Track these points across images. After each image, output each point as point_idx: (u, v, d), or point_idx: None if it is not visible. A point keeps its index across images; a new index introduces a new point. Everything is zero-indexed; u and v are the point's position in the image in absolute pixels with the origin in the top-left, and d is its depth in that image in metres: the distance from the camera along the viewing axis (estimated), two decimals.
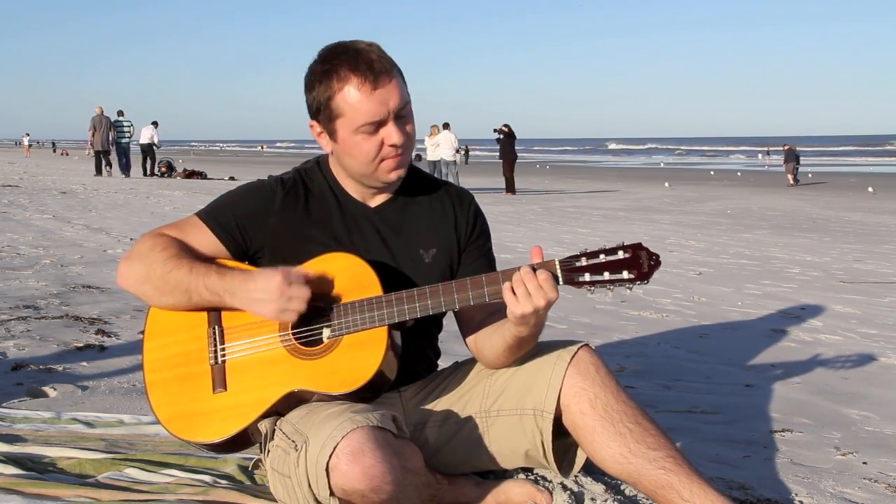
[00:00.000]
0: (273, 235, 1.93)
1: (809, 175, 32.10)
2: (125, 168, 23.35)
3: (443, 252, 2.00)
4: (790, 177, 26.00)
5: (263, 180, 1.99)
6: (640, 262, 1.72)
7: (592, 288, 1.74)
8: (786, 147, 27.85)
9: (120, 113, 23.89)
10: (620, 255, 1.73)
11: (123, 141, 23.70)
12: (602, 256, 1.73)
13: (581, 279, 1.73)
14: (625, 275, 1.72)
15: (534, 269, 1.72)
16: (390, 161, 1.87)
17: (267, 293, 1.77)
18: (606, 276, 1.72)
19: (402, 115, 1.86)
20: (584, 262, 1.73)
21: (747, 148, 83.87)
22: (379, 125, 1.83)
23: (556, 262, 1.74)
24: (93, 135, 23.03)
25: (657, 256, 1.73)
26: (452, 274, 2.01)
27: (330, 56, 1.85)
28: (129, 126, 23.79)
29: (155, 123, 24.54)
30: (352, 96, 1.81)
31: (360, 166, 1.88)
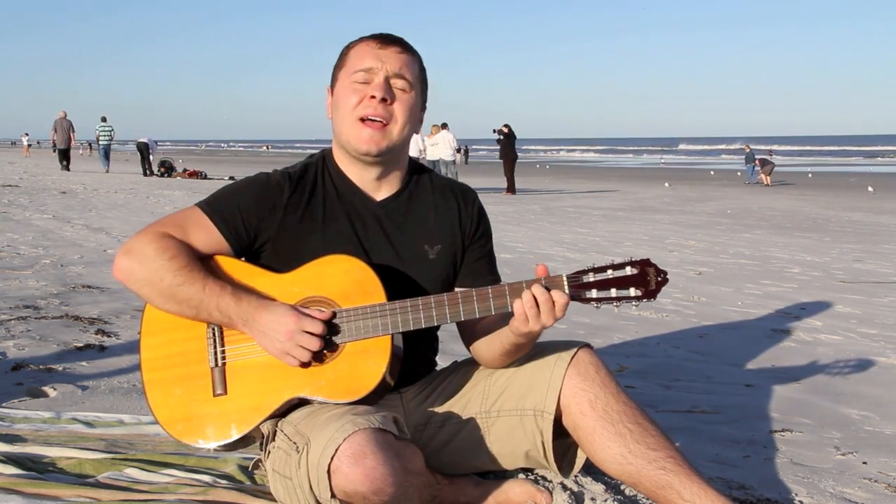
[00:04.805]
0: (278, 230, 1.91)
1: (809, 175, 32.09)
2: (106, 164, 25.64)
3: (447, 248, 2.00)
4: (766, 177, 26.06)
5: (269, 173, 1.97)
6: (648, 280, 1.71)
7: (599, 304, 1.73)
8: (747, 148, 28.07)
9: (103, 119, 26.14)
10: (628, 270, 1.71)
11: (105, 143, 26.04)
12: (610, 272, 1.72)
13: (588, 295, 1.72)
14: (632, 292, 1.72)
15: (548, 289, 1.71)
16: (366, 128, 1.87)
17: (275, 331, 1.76)
18: (613, 292, 1.72)
19: (398, 88, 1.90)
20: (591, 277, 1.72)
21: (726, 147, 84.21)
22: (370, 76, 1.88)
23: (564, 278, 1.73)
24: (54, 135, 25.26)
25: (665, 273, 1.72)
26: (455, 271, 2.01)
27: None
28: (110, 130, 26.24)
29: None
30: (359, 47, 1.93)
31: (342, 118, 1.91)
